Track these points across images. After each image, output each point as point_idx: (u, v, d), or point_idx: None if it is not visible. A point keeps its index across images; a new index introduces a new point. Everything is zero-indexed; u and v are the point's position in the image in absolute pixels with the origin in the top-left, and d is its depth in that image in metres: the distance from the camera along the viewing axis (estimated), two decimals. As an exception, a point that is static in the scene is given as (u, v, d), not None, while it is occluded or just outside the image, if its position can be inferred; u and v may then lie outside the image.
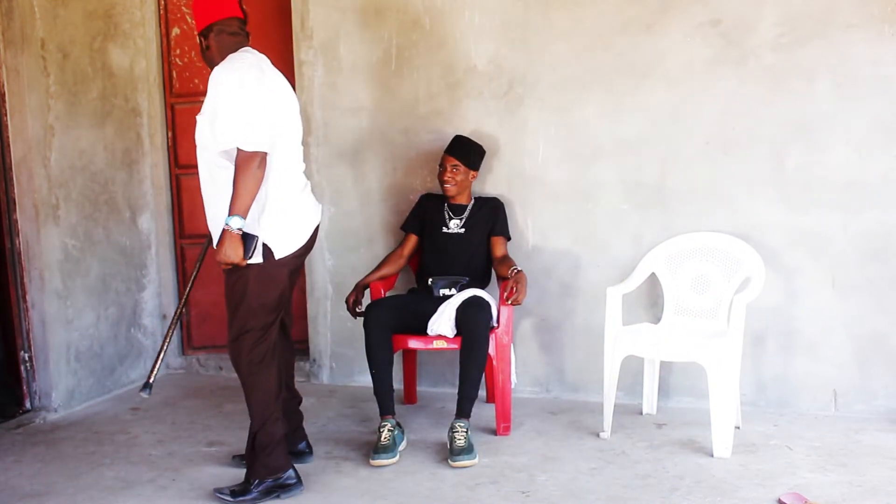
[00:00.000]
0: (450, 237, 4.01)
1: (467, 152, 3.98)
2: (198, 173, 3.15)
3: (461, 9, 4.21)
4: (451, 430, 3.50)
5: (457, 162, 3.95)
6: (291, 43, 4.49)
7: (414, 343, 3.78)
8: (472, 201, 4.07)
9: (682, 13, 3.93)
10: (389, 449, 3.45)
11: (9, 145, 4.03)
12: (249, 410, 3.16)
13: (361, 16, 4.35)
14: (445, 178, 3.97)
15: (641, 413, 3.97)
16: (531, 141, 4.19)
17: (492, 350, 3.69)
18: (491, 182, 4.23)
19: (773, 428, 3.75)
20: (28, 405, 4.18)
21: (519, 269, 3.74)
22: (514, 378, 3.88)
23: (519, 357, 4.19)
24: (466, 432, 3.48)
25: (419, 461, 3.48)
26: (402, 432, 3.65)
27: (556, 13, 4.09)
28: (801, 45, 3.79)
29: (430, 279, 3.90)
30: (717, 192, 3.96)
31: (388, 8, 4.32)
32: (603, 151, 4.10)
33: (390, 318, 3.68)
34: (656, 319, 3.99)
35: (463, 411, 3.55)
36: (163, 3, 4.75)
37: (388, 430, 3.51)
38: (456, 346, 3.65)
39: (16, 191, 4.06)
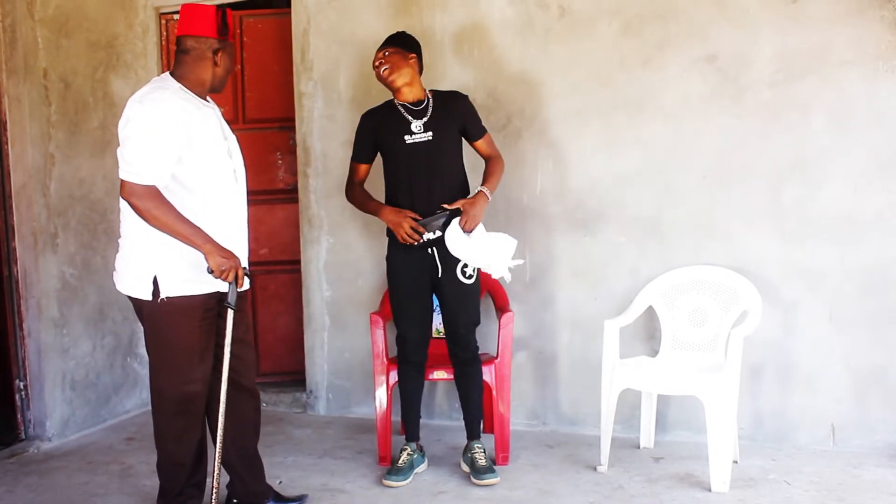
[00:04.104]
0: (416, 147, 3.49)
1: (398, 38, 3.54)
2: None
3: (460, 42, 4.25)
4: (470, 450, 3.58)
5: (389, 49, 3.48)
6: (292, 75, 4.53)
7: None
8: (429, 96, 3.59)
9: (678, 49, 3.97)
10: (403, 472, 3.53)
11: (9, 173, 4.05)
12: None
13: (361, 48, 4.38)
14: (382, 70, 3.47)
15: (639, 447, 3.95)
16: (529, 174, 4.20)
17: (490, 380, 3.71)
18: (489, 213, 4.22)
19: (772, 462, 3.73)
20: (22, 434, 4.16)
21: (480, 189, 3.53)
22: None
23: (515, 389, 4.16)
24: (483, 451, 3.56)
25: (415, 494, 3.46)
26: (423, 455, 3.72)
27: (554, 48, 4.13)
28: (797, 80, 3.83)
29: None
30: (714, 225, 3.97)
31: (388, 41, 4.35)
32: (600, 185, 4.12)
33: (423, 349, 3.68)
34: (654, 352, 3.98)
35: (474, 433, 3.64)
36: (164, 34, 4.79)
37: (407, 455, 3.60)
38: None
39: (15, 219, 4.07)
